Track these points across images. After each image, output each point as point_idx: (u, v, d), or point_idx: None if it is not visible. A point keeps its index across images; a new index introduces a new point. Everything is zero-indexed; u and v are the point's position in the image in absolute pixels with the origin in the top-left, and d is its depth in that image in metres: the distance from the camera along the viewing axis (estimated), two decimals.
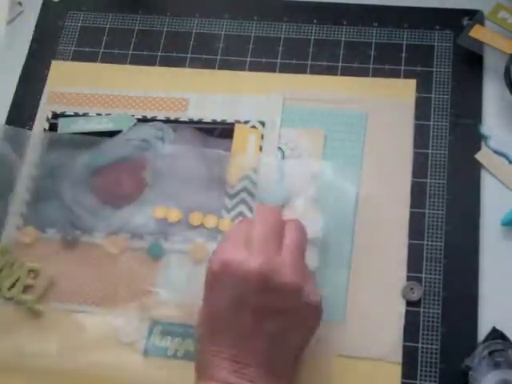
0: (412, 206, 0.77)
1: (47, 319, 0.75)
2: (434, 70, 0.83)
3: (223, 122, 0.83)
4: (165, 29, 0.90)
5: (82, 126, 0.84)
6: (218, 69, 0.86)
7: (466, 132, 0.79)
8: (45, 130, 0.85)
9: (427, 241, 0.75)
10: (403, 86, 0.82)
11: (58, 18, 0.92)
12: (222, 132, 0.83)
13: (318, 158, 0.79)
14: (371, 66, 0.84)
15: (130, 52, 0.89)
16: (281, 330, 0.63)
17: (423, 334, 0.71)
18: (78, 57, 0.89)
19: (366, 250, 0.75)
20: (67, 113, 0.85)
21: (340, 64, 0.85)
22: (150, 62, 0.88)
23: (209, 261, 0.66)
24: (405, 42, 0.85)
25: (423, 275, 0.73)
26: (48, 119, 0.85)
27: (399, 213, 0.76)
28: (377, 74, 0.84)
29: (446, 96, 0.81)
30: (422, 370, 0.70)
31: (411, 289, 0.73)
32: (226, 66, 0.86)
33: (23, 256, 0.78)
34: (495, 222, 0.75)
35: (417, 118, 0.81)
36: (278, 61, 0.86)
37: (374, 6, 0.88)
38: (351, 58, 0.85)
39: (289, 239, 0.66)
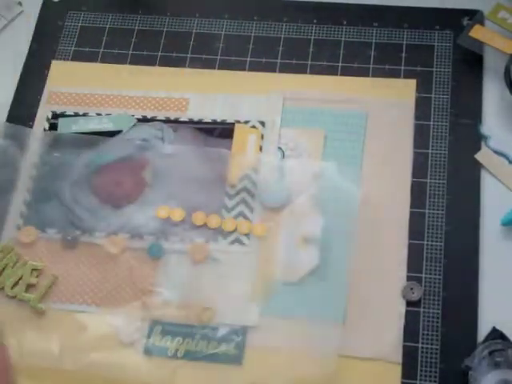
0: (412, 206, 0.77)
1: (48, 319, 0.75)
2: (434, 69, 0.83)
3: (223, 122, 0.83)
4: (165, 29, 0.90)
5: (82, 126, 0.84)
6: (218, 69, 0.86)
7: (465, 132, 0.80)
8: (45, 129, 0.85)
9: (427, 241, 0.75)
10: (403, 85, 0.83)
11: (58, 18, 0.92)
12: (222, 132, 0.83)
13: (318, 158, 0.79)
14: (371, 66, 0.84)
15: (130, 52, 0.89)
16: None
17: (423, 334, 0.71)
18: (78, 57, 0.89)
19: (366, 250, 0.75)
20: (67, 113, 0.85)
21: (340, 64, 0.85)
22: (150, 61, 0.88)
23: None
24: (405, 42, 0.85)
25: (423, 275, 0.73)
26: (48, 119, 0.85)
27: (399, 213, 0.76)
28: (377, 73, 0.84)
29: (445, 96, 0.81)
30: (421, 370, 0.70)
31: (411, 289, 0.73)
32: (226, 65, 0.86)
33: (23, 256, 0.78)
34: (495, 222, 0.75)
35: (417, 118, 0.81)
36: (278, 61, 0.86)
37: (374, 5, 0.88)
38: (351, 57, 0.85)
39: None
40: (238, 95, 0.84)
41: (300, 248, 0.75)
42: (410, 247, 0.75)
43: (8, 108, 0.87)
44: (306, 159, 0.80)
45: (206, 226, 0.77)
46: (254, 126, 0.82)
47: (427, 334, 0.71)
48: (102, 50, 0.89)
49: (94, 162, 0.82)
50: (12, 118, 0.86)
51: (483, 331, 0.70)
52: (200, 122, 0.83)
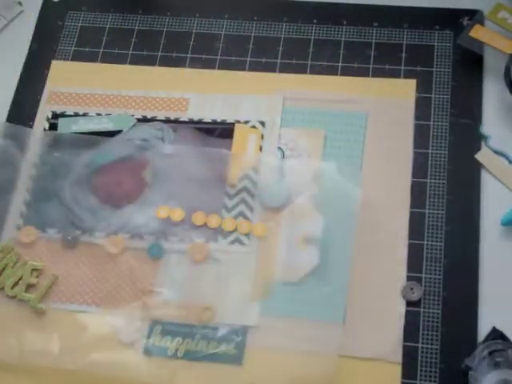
0: (412, 206, 0.77)
1: (48, 319, 0.75)
2: (434, 69, 0.83)
3: (223, 122, 0.83)
4: (165, 29, 0.90)
5: (82, 125, 0.84)
6: (218, 69, 0.86)
7: (465, 132, 0.80)
8: (45, 129, 0.85)
9: (427, 241, 0.75)
10: (403, 85, 0.83)
11: (58, 18, 0.92)
12: (222, 132, 0.83)
13: (318, 158, 0.79)
14: (371, 66, 0.84)
15: (130, 52, 0.89)
16: None
17: (423, 334, 0.71)
18: (78, 57, 0.89)
19: (366, 250, 0.75)
20: (67, 113, 0.85)
21: (340, 64, 0.85)
22: (150, 61, 0.88)
23: None
24: (405, 42, 0.85)
25: (423, 275, 0.73)
26: (48, 119, 0.85)
27: (399, 213, 0.76)
28: (377, 73, 0.84)
29: (446, 96, 0.81)
30: (421, 370, 0.70)
31: (411, 289, 0.73)
32: (226, 65, 0.86)
33: (23, 256, 0.78)
34: (495, 222, 0.75)
35: (417, 118, 0.81)
36: (278, 61, 0.86)
37: (374, 6, 0.88)
38: (351, 57, 0.85)
39: None
40: (238, 95, 0.84)
41: (300, 248, 0.75)
42: (410, 247, 0.75)
43: (8, 108, 0.87)
44: (306, 159, 0.80)
45: (206, 225, 0.77)
46: (254, 126, 0.82)
47: (427, 334, 0.71)
48: (101, 49, 0.89)
49: (94, 162, 0.82)
50: (12, 118, 0.86)
51: (483, 331, 0.70)
52: (200, 121, 0.83)
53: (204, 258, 0.76)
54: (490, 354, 0.67)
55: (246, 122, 0.82)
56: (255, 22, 0.89)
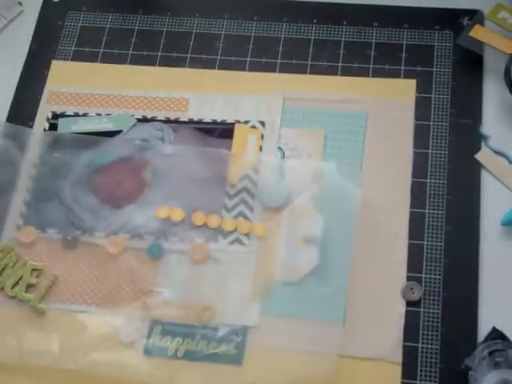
0: (412, 206, 0.77)
1: (48, 319, 0.75)
2: (434, 69, 0.83)
3: (223, 122, 0.83)
4: (165, 29, 0.90)
5: (82, 126, 0.84)
6: (218, 69, 0.86)
7: (466, 132, 0.80)
8: (45, 129, 0.85)
9: (427, 241, 0.75)
10: (403, 85, 0.83)
11: (58, 18, 0.92)
12: (222, 132, 0.83)
13: (318, 158, 0.80)
14: (371, 66, 0.84)
15: (130, 52, 0.89)
16: None
17: (423, 334, 0.71)
18: (78, 57, 0.89)
19: (366, 250, 0.75)
20: (67, 113, 0.85)
21: (340, 64, 0.85)
22: (150, 61, 0.88)
23: None
24: (405, 42, 0.85)
25: (423, 275, 0.73)
26: (48, 119, 0.85)
27: (399, 213, 0.76)
28: (377, 74, 0.84)
29: (446, 96, 0.81)
30: (421, 370, 0.70)
31: (411, 289, 0.73)
32: (226, 66, 0.86)
33: (23, 256, 0.78)
34: (495, 222, 0.75)
35: (417, 117, 0.81)
36: (278, 61, 0.86)
37: (374, 6, 0.88)
38: (351, 57, 0.85)
39: None
40: (238, 95, 0.84)
41: (300, 248, 0.75)
42: (410, 247, 0.75)
43: (8, 108, 0.87)
44: (305, 159, 0.80)
45: (206, 225, 0.77)
46: (253, 126, 0.82)
47: (427, 334, 0.71)
48: (101, 49, 0.89)
49: (94, 162, 0.82)
50: (12, 118, 0.86)
51: (483, 331, 0.70)
52: (200, 122, 0.83)
53: (204, 258, 0.76)
54: (490, 354, 0.67)
55: (246, 122, 0.82)
56: (255, 22, 0.89)
